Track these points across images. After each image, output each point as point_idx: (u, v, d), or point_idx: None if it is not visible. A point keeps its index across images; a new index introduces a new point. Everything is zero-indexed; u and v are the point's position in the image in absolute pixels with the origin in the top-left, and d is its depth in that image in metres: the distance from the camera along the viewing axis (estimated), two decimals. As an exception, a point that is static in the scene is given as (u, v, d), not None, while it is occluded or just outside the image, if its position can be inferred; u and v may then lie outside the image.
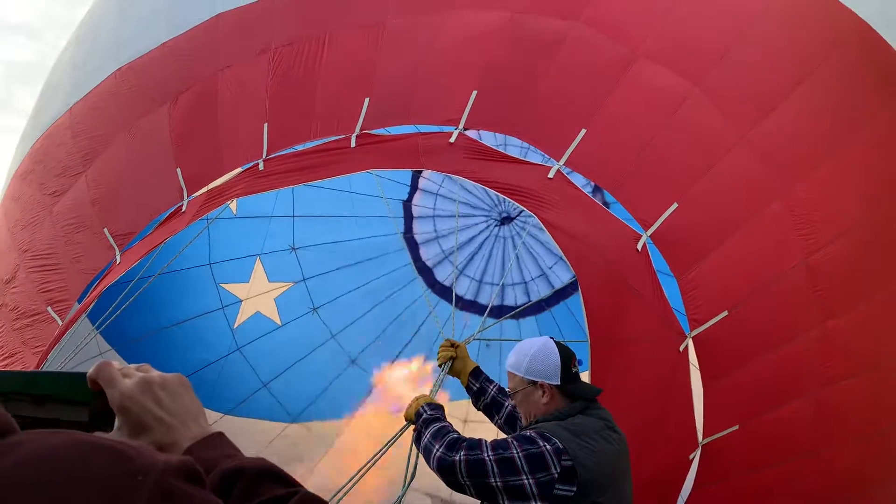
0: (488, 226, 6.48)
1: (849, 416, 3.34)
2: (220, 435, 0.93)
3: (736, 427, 3.09)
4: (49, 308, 3.56)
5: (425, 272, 6.67)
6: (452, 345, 3.16)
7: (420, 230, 6.57)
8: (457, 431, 2.33)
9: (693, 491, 3.18)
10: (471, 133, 4.67)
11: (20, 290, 3.78)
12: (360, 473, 3.04)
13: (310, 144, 3.40)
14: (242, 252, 6.10)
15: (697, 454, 3.12)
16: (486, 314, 4.07)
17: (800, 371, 3.20)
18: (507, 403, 2.91)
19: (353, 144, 3.27)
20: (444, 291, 6.63)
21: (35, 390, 0.91)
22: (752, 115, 3.32)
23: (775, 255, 3.18)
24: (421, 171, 6.31)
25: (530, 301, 6.32)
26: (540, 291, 6.60)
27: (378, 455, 3.10)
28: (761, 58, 3.36)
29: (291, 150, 3.35)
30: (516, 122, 3.33)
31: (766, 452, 3.21)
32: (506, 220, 6.47)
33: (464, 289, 6.62)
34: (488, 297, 6.70)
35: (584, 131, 3.21)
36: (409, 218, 6.55)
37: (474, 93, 3.35)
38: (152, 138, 3.50)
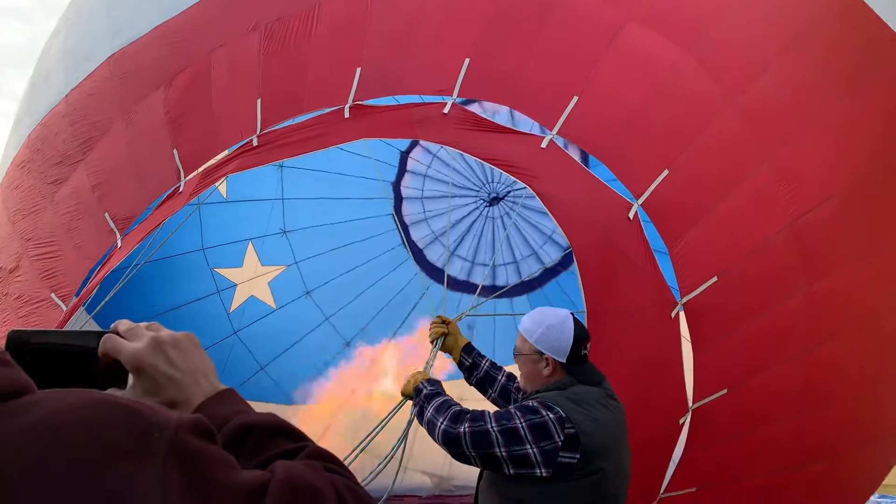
0: (478, 206, 6.55)
1: (838, 378, 3.40)
2: (231, 391, 0.95)
3: (725, 391, 3.15)
4: (53, 295, 3.60)
5: (416, 253, 6.74)
6: (444, 321, 3.21)
7: (409, 211, 6.63)
8: (459, 404, 2.39)
9: (684, 454, 3.25)
10: (474, 108, 4.72)
11: (24, 278, 3.81)
12: (360, 449, 3.09)
13: (303, 118, 3.44)
14: (234, 237, 6.14)
15: (688, 419, 3.18)
16: (476, 293, 4.13)
17: (787, 334, 3.25)
18: (499, 377, 2.97)
19: (346, 115, 3.30)
20: (434, 272, 6.70)
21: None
22: (741, 81, 3.34)
23: (762, 221, 3.22)
24: (409, 153, 6.37)
25: (521, 279, 6.42)
26: (531, 270, 6.70)
27: (377, 430, 3.15)
28: (750, 22, 3.38)
29: (285, 125, 3.39)
30: (509, 91, 3.35)
31: (757, 415, 3.27)
32: (495, 200, 6.54)
33: (456, 269, 6.69)
34: (481, 277, 6.79)
35: (575, 99, 3.24)
36: (398, 199, 6.61)
37: (466, 61, 3.36)
38: (149, 122, 3.53)
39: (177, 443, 0.68)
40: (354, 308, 6.68)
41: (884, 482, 4.25)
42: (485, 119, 3.43)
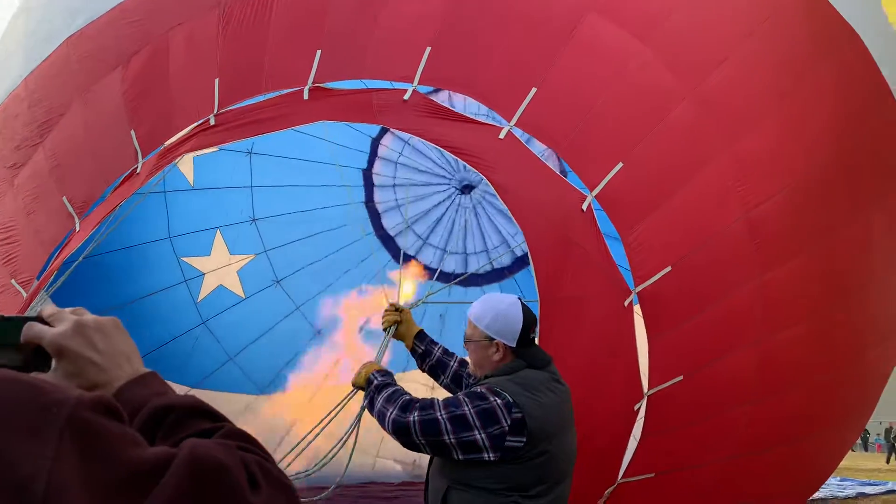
0: (449, 195, 6.54)
1: (792, 364, 3.47)
2: (154, 374, 0.96)
3: (680, 378, 3.19)
4: (13, 281, 3.54)
5: (388, 241, 6.72)
6: (397, 309, 3.20)
7: (381, 199, 6.61)
8: (408, 394, 2.42)
9: (641, 440, 3.30)
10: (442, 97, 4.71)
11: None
12: (308, 441, 3.07)
13: (262, 98, 3.42)
14: (202, 225, 6.06)
15: (643, 405, 3.23)
16: (434, 278, 4.12)
17: (742, 322, 3.31)
18: (452, 363, 2.98)
19: (305, 97, 3.29)
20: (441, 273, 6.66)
21: None
22: (699, 72, 3.39)
23: (717, 210, 3.28)
24: (380, 140, 6.34)
25: (471, 272, 6.45)
26: (503, 259, 6.71)
27: (326, 420, 3.09)
28: (708, 13, 3.44)
29: (243, 105, 3.36)
30: (470, 80, 3.38)
31: (712, 401, 3.33)
32: (466, 188, 6.53)
33: (429, 258, 6.68)
34: (452, 266, 6.79)
35: (534, 91, 3.27)
36: (369, 186, 6.58)
37: (428, 49, 3.37)
38: (106, 102, 3.49)
39: (75, 419, 0.68)
40: (325, 297, 6.63)
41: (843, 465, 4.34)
42: (444, 107, 3.47)
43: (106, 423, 0.72)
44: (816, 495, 5.76)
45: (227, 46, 3.50)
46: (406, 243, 6.60)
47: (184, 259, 6.06)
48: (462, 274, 6.56)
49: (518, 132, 3.39)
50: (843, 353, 3.69)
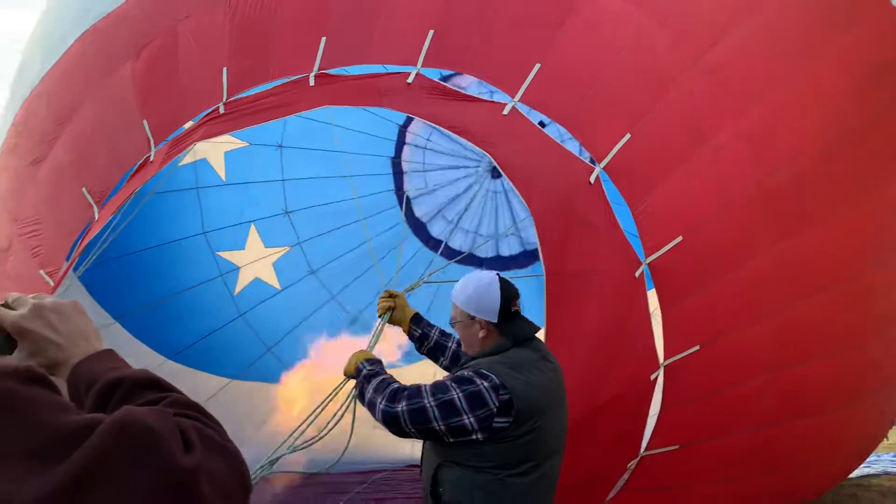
0: (479, 178, 6.50)
1: (817, 333, 3.38)
2: (110, 351, 1.02)
3: (696, 348, 3.14)
4: (41, 272, 3.67)
5: (419, 228, 6.71)
6: (391, 295, 3.22)
7: (410, 186, 6.61)
8: (397, 381, 2.44)
9: (661, 412, 3.26)
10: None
11: (15, 257, 3.92)
12: (301, 429, 3.04)
13: (269, 86, 3.45)
14: (235, 219, 6.16)
15: (660, 374, 3.18)
16: (439, 252, 4.11)
17: (759, 291, 3.24)
18: (450, 344, 3.00)
19: (311, 83, 3.32)
20: (438, 246, 6.65)
21: None
22: (706, 40, 3.33)
23: (730, 178, 3.21)
24: (407, 127, 6.34)
25: (477, 246, 6.41)
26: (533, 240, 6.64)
27: (318, 410, 3.07)
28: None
29: (251, 93, 3.40)
30: (473, 60, 3.40)
31: (731, 371, 3.27)
32: (496, 171, 6.47)
33: (459, 242, 6.65)
34: (483, 250, 6.76)
35: (538, 66, 3.25)
36: (398, 174, 6.58)
37: (431, 32, 3.38)
38: (119, 95, 3.59)
39: None
40: (360, 285, 6.67)
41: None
42: (448, 88, 3.50)
43: (30, 391, 0.75)
44: (867, 470, 5.52)
45: (234, 36, 3.57)
46: (437, 230, 6.59)
47: (219, 254, 6.17)
48: (510, 256, 6.54)
49: (523, 109, 3.37)
50: (880, 319, 3.53)
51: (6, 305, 1.01)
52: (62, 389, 0.89)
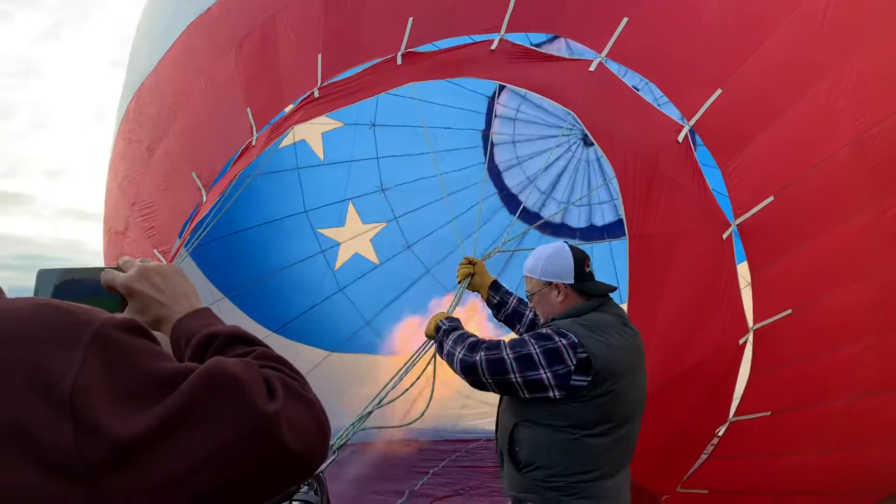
0: (570, 146, 6.44)
1: None
2: (207, 310, 1.13)
3: (789, 311, 3.04)
4: (155, 251, 3.95)
5: (510, 200, 6.73)
6: (470, 262, 3.29)
7: (501, 158, 6.62)
8: (475, 336, 2.51)
9: (751, 377, 3.18)
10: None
11: (132, 239, 4.23)
12: (387, 391, 3.09)
13: (360, 68, 3.57)
14: (334, 197, 6.38)
15: (749, 338, 3.09)
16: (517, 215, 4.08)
17: (855, 253, 3.09)
18: (527, 312, 3.05)
19: (398, 62, 3.39)
20: (529, 217, 6.66)
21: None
22: None
23: (825, 135, 3.05)
24: (496, 98, 6.34)
25: (552, 215, 6.34)
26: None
27: (403, 371, 3.12)
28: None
29: (343, 77, 3.53)
30: (557, 19, 3.33)
31: (827, 336, 3.14)
32: (587, 140, 6.40)
33: (551, 211, 6.64)
34: (576, 220, 6.72)
35: (625, 21, 3.17)
36: (488, 146, 6.62)
37: None
38: (224, 84, 3.80)
39: (100, 335, 0.82)
40: (455, 258, 6.76)
41: None
42: (532, 49, 3.46)
43: (130, 339, 0.85)
44: None
45: (328, 25, 3.70)
46: (529, 201, 6.59)
47: (320, 231, 6.42)
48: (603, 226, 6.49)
49: (613, 67, 3.30)
50: None
51: (118, 268, 1.14)
52: (163, 343, 1.01)
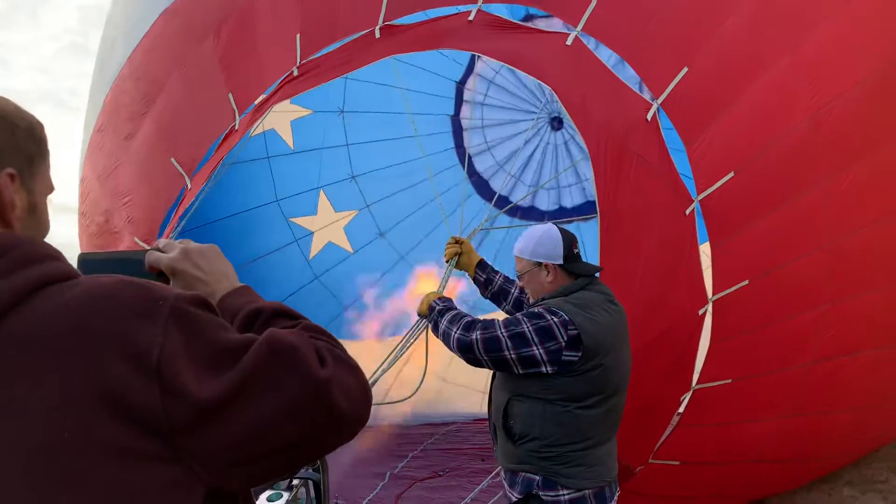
0: (539, 129, 6.54)
1: (870, 264, 3.34)
2: (247, 287, 1.21)
3: (745, 282, 3.15)
4: (136, 239, 3.93)
5: (481, 185, 6.82)
6: (457, 241, 3.37)
7: (471, 143, 6.70)
8: (469, 315, 2.59)
9: (711, 345, 3.29)
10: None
11: (112, 229, 4.19)
12: (381, 371, 3.12)
13: (338, 45, 3.61)
14: (306, 186, 6.38)
15: (709, 309, 3.21)
16: (493, 203, 4.14)
17: (810, 224, 3.21)
18: (513, 290, 3.14)
19: (377, 36, 3.45)
20: (501, 201, 6.76)
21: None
22: None
23: (784, 112, 3.16)
24: (464, 83, 6.41)
25: (522, 199, 6.47)
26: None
27: (398, 351, 3.16)
28: None
29: (321, 54, 3.57)
30: None
31: (783, 304, 3.26)
32: (556, 122, 6.51)
33: (521, 195, 6.75)
34: (545, 203, 6.83)
35: None
36: (458, 131, 6.68)
37: None
38: (203, 70, 3.79)
39: (176, 308, 0.92)
40: (428, 244, 6.84)
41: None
42: (509, 21, 3.48)
43: (200, 312, 0.95)
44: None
45: (305, 3, 3.70)
46: (498, 184, 6.68)
47: (292, 220, 6.41)
48: (511, 203, 6.61)
49: (590, 43, 3.36)
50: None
51: (158, 250, 1.21)
52: None
